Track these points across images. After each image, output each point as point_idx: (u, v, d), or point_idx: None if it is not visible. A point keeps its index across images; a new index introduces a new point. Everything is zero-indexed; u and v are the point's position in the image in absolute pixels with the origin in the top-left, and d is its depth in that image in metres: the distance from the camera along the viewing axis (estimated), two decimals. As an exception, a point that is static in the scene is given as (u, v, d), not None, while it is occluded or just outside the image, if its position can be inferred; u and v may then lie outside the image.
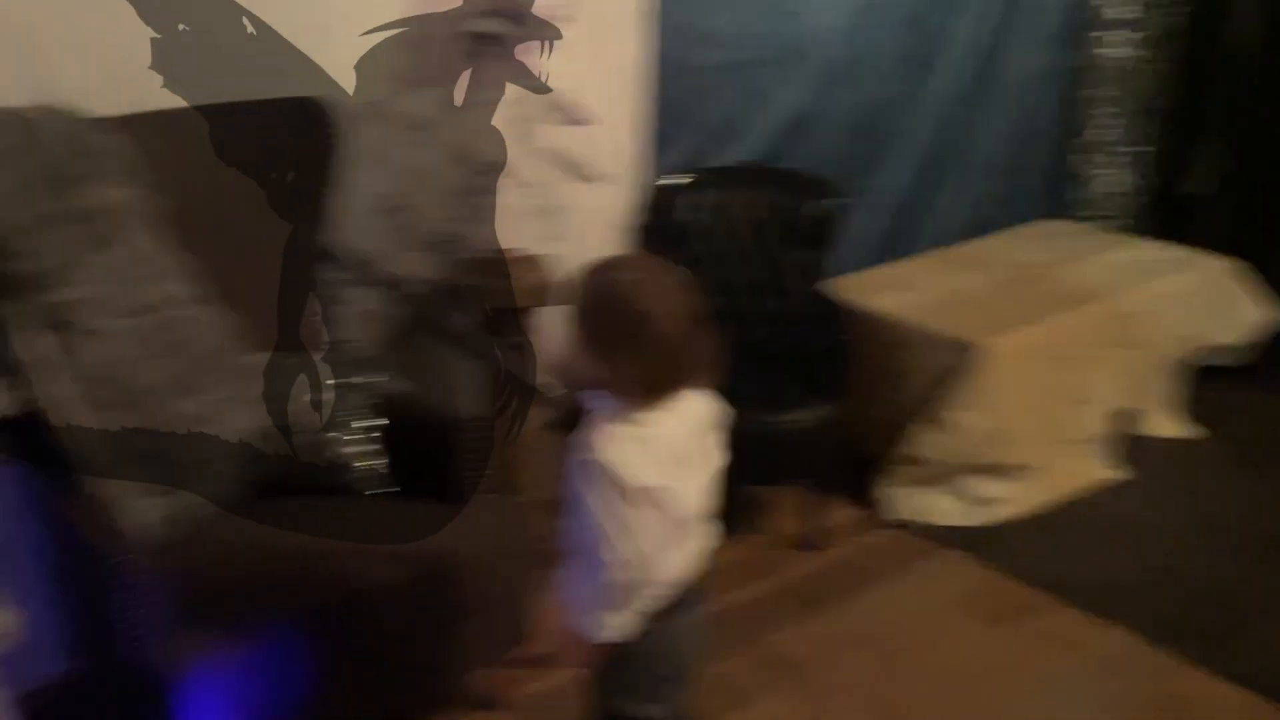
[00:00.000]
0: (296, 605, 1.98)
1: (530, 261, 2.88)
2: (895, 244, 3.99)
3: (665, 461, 1.62)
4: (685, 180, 3.28)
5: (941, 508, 3.16)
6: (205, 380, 2.13)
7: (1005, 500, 3.19)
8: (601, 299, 1.61)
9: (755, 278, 3.25)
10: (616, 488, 1.57)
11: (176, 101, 2.33)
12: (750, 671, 2.53)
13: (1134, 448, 3.51)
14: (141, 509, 2.03)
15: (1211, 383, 3.85)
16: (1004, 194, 4.29)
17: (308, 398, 2.34)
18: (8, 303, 1.95)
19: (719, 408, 1.76)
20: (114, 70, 2.31)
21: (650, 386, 1.60)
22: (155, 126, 2.25)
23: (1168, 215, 4.64)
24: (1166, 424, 3.66)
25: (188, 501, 2.14)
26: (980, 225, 4.23)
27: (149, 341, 2.07)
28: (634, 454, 1.59)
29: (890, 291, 3.47)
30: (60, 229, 2.00)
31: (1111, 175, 4.56)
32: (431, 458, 2.34)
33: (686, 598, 1.74)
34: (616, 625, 1.67)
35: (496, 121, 2.95)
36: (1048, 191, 4.48)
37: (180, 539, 2.12)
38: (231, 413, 2.19)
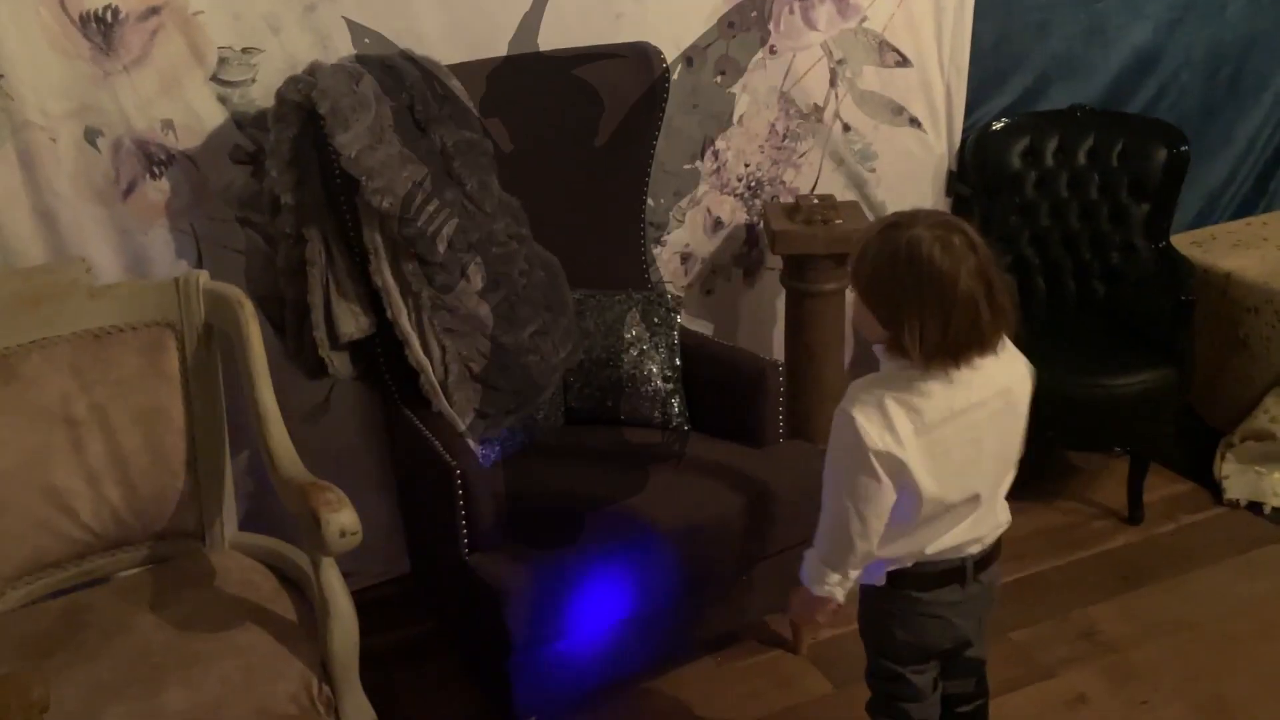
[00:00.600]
0: (608, 533, 2.08)
1: (844, 207, 2.83)
2: (1255, 197, 3.61)
3: (933, 435, 1.56)
4: (1012, 124, 3.10)
5: (1289, 490, 2.86)
6: (525, 312, 2.26)
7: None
8: (885, 257, 1.53)
9: (1096, 230, 3.03)
10: (856, 446, 1.55)
11: (510, 50, 2.48)
12: (1059, 644, 2.42)
13: None
14: (470, 429, 2.19)
15: None
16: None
17: (626, 335, 2.43)
18: (372, 233, 2.14)
19: (1027, 378, 1.65)
20: (459, 19, 2.48)
21: (935, 352, 1.52)
22: (491, 73, 2.39)
23: None
24: None
25: (510, 425, 2.29)
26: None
27: (480, 275, 2.22)
28: (891, 418, 1.55)
29: (1244, 249, 3.14)
30: (418, 166, 2.17)
31: None
32: (734, 400, 2.38)
33: (952, 574, 1.67)
34: (833, 583, 1.65)
35: (815, 64, 2.93)
36: None
37: (503, 458, 2.29)
38: (548, 345, 2.31)
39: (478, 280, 2.24)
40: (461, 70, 2.35)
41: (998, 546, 1.71)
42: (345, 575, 1.84)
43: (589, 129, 2.53)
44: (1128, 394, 2.67)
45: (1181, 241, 3.19)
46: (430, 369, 2.19)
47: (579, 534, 2.07)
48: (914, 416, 1.55)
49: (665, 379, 2.43)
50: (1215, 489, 2.92)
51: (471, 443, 2.18)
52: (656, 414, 2.44)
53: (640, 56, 2.51)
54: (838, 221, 2.76)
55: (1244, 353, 2.95)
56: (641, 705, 2.30)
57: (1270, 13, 3.38)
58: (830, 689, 2.34)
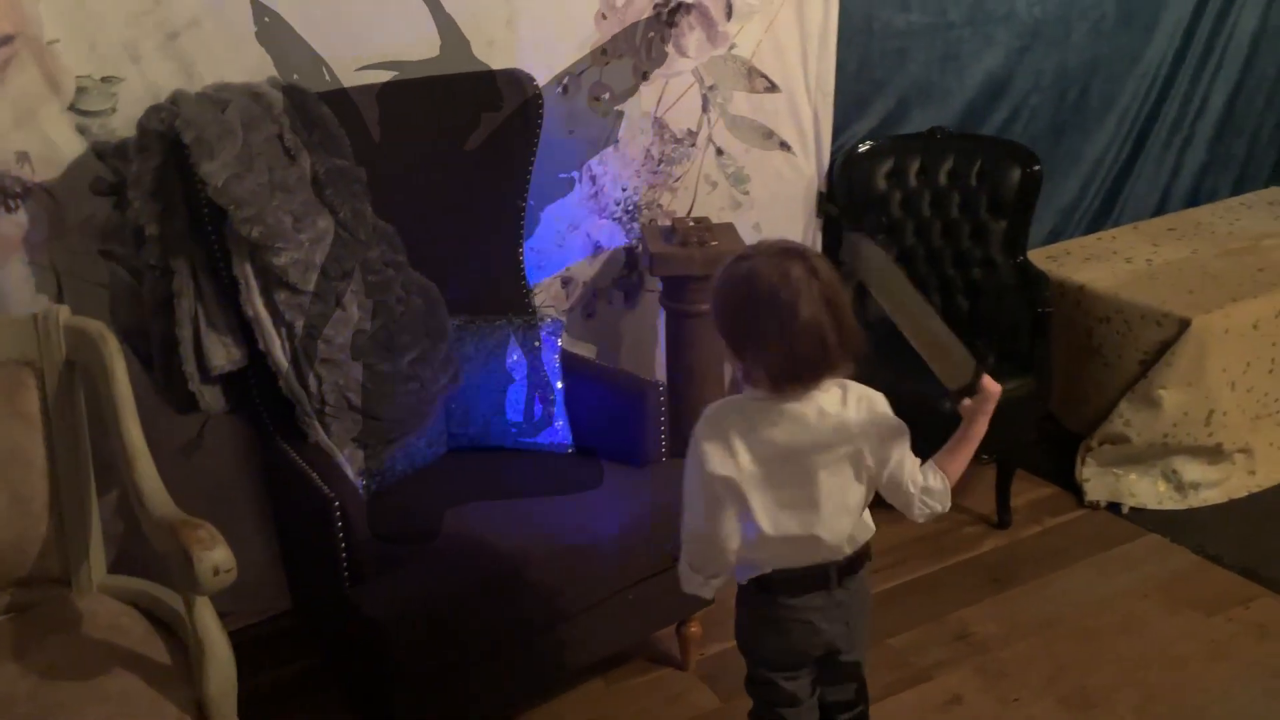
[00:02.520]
0: (491, 559, 2.08)
1: (719, 229, 2.89)
2: (1104, 213, 3.81)
3: (770, 468, 1.59)
4: (877, 146, 3.21)
5: (1146, 490, 3.02)
6: (404, 340, 2.25)
7: (1214, 484, 3.02)
8: (727, 290, 1.57)
9: (958, 247, 3.16)
10: (699, 468, 1.61)
11: (380, 76, 2.47)
12: (934, 647, 2.50)
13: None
14: (348, 460, 2.17)
15: None
16: (1231, 160, 4.03)
17: (507, 360, 2.43)
18: (242, 263, 2.11)
19: (874, 406, 1.63)
20: (330, 46, 2.46)
21: (782, 378, 1.55)
22: (361, 100, 2.37)
23: None
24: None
25: (390, 455, 2.27)
26: (1202, 193, 3.99)
27: (356, 303, 2.20)
28: (733, 445, 1.59)
29: (1095, 263, 3.32)
30: (290, 195, 2.15)
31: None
32: (616, 421, 2.40)
33: (815, 580, 1.69)
34: (696, 585, 1.71)
35: (688, 90, 2.99)
36: (1278, 158, 4.17)
37: (383, 489, 2.27)
38: (428, 372, 2.30)
39: (353, 308, 2.22)
40: (332, 97, 2.34)
41: (864, 554, 1.73)
42: (223, 615, 1.80)
43: (463, 155, 2.53)
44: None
45: (1038, 256, 3.35)
46: (306, 400, 2.16)
47: (462, 562, 2.06)
48: (756, 447, 1.59)
49: (547, 402, 2.44)
50: (1077, 491, 3.06)
51: (350, 473, 2.15)
52: (540, 436, 2.44)
53: (513, 82, 2.53)
54: (714, 243, 2.81)
55: (1098, 360, 3.10)
56: (531, 730, 2.30)
57: (1110, 39, 3.59)
58: (718, 703, 2.37)
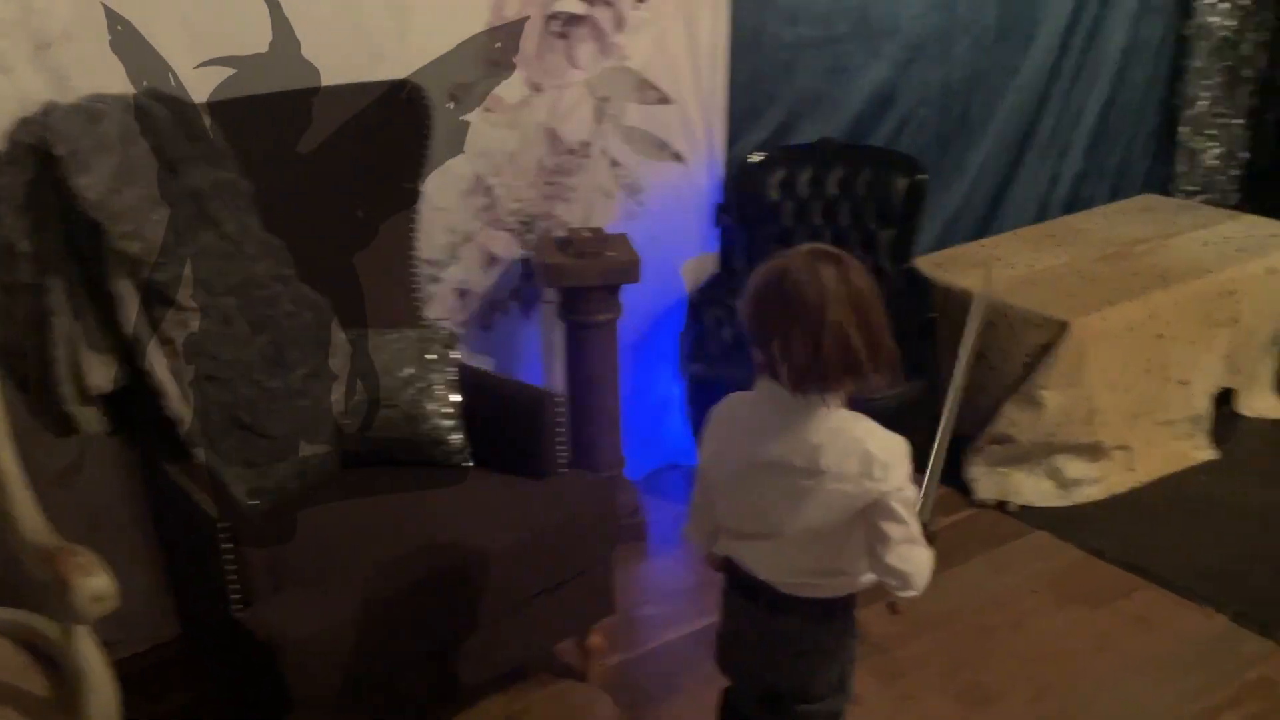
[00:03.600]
0: (388, 576, 2.04)
1: (614, 240, 2.90)
2: (988, 220, 3.93)
3: (751, 469, 1.61)
4: (769, 157, 3.27)
5: (1031, 488, 3.12)
6: (293, 355, 2.20)
7: (1097, 480, 3.13)
8: (759, 285, 1.58)
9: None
10: (700, 445, 1.74)
11: (269, 86, 2.42)
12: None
13: (1228, 428, 3.42)
14: (236, 479, 2.11)
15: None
16: (1105, 168, 4.19)
17: (402, 373, 2.40)
18: (120, 279, 2.04)
19: (875, 468, 1.56)
20: (210, 57, 2.40)
21: (805, 374, 1.53)
22: (246, 111, 2.32)
23: (1274, 189, 4.49)
24: (1260, 403, 3.55)
25: (282, 473, 2.22)
26: (1079, 201, 4.15)
27: (243, 319, 2.15)
28: (718, 434, 1.69)
29: (978, 269, 3.41)
30: (172, 209, 2.08)
31: (1215, 148, 4.42)
32: (514, 433, 2.39)
33: (749, 585, 1.69)
34: (691, 535, 1.85)
35: (580, 101, 3.00)
36: (1150, 166, 4.37)
37: (274, 508, 2.21)
38: (320, 388, 2.26)
39: (240, 324, 2.16)
40: (218, 109, 2.28)
41: (816, 606, 1.67)
42: (108, 644, 1.74)
43: (354, 168, 2.49)
44: (885, 407, 2.81)
45: (925, 263, 3.44)
46: (191, 419, 2.09)
47: (358, 581, 2.02)
48: (732, 441, 1.65)
49: (444, 416, 2.41)
50: (967, 491, 3.14)
51: (239, 493, 2.09)
52: (437, 452, 2.41)
53: (404, 94, 2.50)
54: (609, 254, 2.82)
55: (984, 363, 3.19)
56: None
57: (990, 53, 3.71)
58: (619, 714, 2.37)
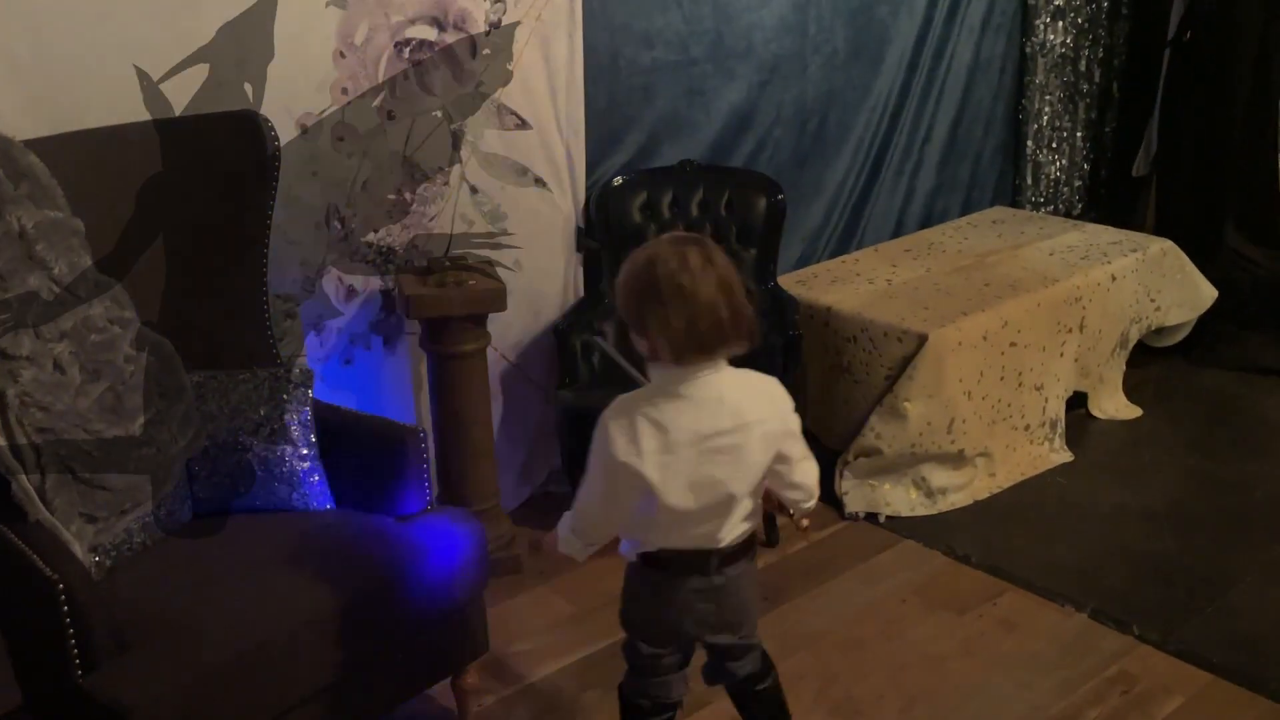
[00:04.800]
0: (243, 632, 1.95)
1: (477, 268, 2.86)
2: (847, 237, 4.00)
3: (676, 454, 1.72)
4: (630, 180, 3.27)
5: (899, 498, 3.18)
6: (134, 402, 2.10)
7: (960, 488, 3.21)
8: (630, 274, 1.72)
9: (707, 276, 3.25)
10: (603, 452, 1.74)
11: (100, 120, 2.31)
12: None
13: (1079, 430, 3.55)
14: (76, 536, 1.99)
15: (1146, 362, 3.93)
16: (957, 182, 4.32)
17: (254, 415, 2.30)
18: (-63, 331, 1.91)
19: (777, 417, 1.80)
20: (36, 92, 2.28)
21: (685, 346, 1.68)
22: (78, 147, 2.21)
23: (1114, 199, 4.72)
24: (1110, 405, 3.71)
25: (126, 526, 2.11)
26: (933, 215, 4.26)
27: (76, 365, 2.03)
28: (638, 433, 1.71)
29: (840, 285, 3.48)
30: (-6, 252, 1.97)
31: (1058, 161, 4.61)
32: (376, 472, 2.32)
33: (695, 563, 1.82)
34: (575, 548, 1.87)
35: (436, 129, 2.95)
36: (999, 179, 4.52)
37: (119, 564, 2.10)
38: (165, 434, 2.15)
39: (74, 371, 2.05)
40: (43, 145, 2.16)
41: (746, 546, 1.87)
42: None
43: (195, 202, 2.39)
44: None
45: (788, 281, 3.49)
46: (23, 474, 1.97)
47: (211, 638, 1.92)
48: (660, 435, 1.72)
49: (301, 458, 2.32)
50: (839, 505, 3.18)
51: (79, 551, 1.97)
52: (294, 496, 2.32)
53: (247, 125, 2.41)
54: (471, 282, 2.78)
55: (847, 378, 3.25)
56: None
57: (843, 72, 3.79)
58: (498, 754, 2.32)
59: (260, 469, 2.30)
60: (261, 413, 2.31)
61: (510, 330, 3.22)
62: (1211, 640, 2.54)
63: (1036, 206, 4.60)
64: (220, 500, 2.32)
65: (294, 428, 2.32)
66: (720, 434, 1.74)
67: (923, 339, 3.07)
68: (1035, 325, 3.32)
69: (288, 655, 1.98)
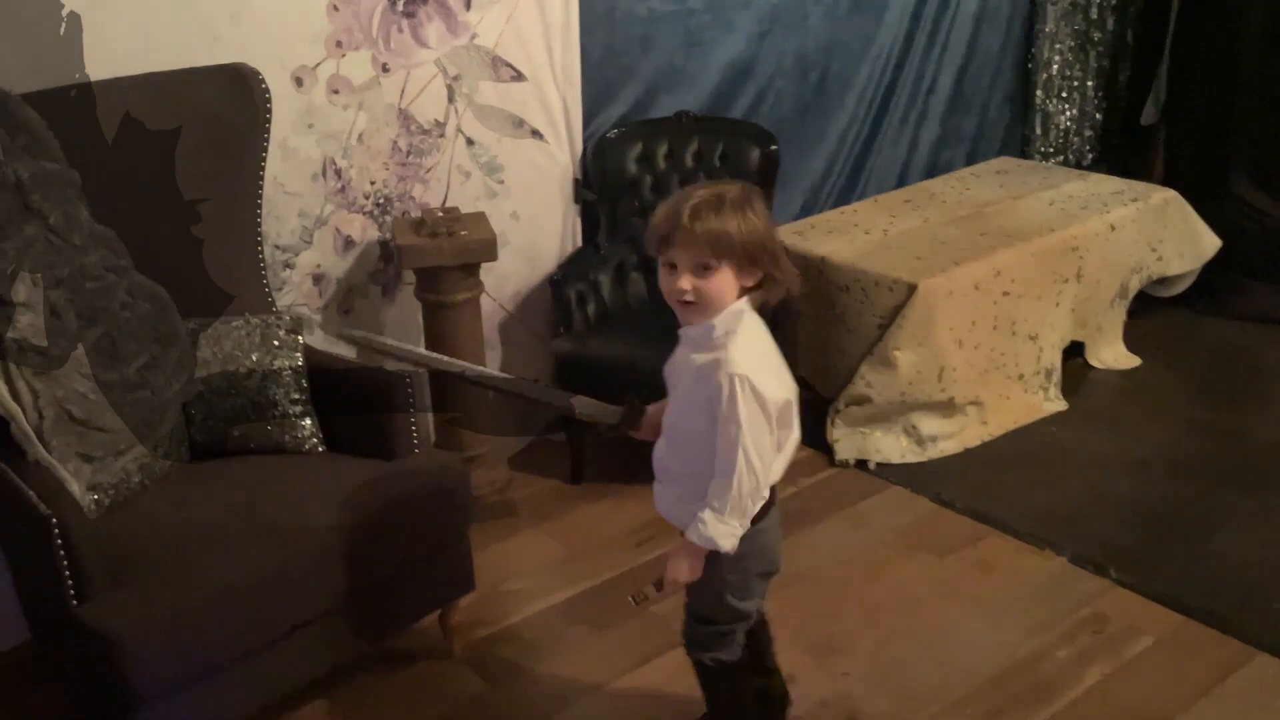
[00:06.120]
0: (236, 565, 2.04)
1: (470, 218, 2.91)
2: (849, 188, 4.01)
3: (782, 371, 1.81)
4: (625, 132, 3.30)
5: (890, 445, 3.22)
6: (129, 347, 2.18)
7: (950, 436, 3.24)
8: (751, 215, 1.73)
9: (702, 227, 3.29)
10: (758, 402, 1.71)
11: (96, 75, 2.37)
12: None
13: (1076, 379, 3.57)
14: (74, 475, 2.08)
15: (1149, 313, 3.91)
16: (962, 133, 4.31)
17: (247, 361, 2.38)
18: (-62, 277, 1.99)
19: None
20: (31, 45, 2.34)
21: (794, 281, 1.78)
22: (72, 100, 2.28)
23: (1123, 148, 4.68)
24: (1109, 355, 3.71)
25: (122, 467, 2.20)
26: (938, 166, 4.26)
27: (72, 312, 2.11)
28: (767, 371, 1.75)
29: (837, 235, 3.50)
30: (-9, 202, 2.04)
31: (1068, 110, 4.57)
32: (366, 416, 2.39)
33: (772, 496, 1.87)
34: (738, 535, 1.79)
35: (431, 81, 2.99)
36: (1007, 129, 4.50)
37: (117, 502, 2.19)
38: (159, 379, 2.24)
39: (69, 317, 2.13)
40: (39, 99, 2.23)
41: None
42: None
43: (188, 154, 2.46)
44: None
45: (786, 232, 3.51)
46: (21, 416, 2.06)
47: (200, 571, 2.01)
48: (774, 359, 1.79)
49: (293, 402, 2.40)
50: (829, 452, 3.23)
51: (76, 490, 2.07)
52: (287, 439, 2.41)
53: (236, 78, 2.47)
54: (463, 233, 2.83)
55: (841, 327, 3.29)
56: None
57: (845, 23, 3.78)
58: (484, 686, 2.40)
59: (254, 413, 2.39)
60: (254, 358, 2.39)
61: (508, 281, 3.28)
62: (1188, 584, 2.58)
63: (1046, 157, 4.57)
64: (217, 443, 2.41)
65: (286, 373, 2.40)
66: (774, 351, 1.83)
67: (912, 288, 3.09)
68: (1029, 275, 3.33)
69: (276, 589, 2.06)
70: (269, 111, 2.52)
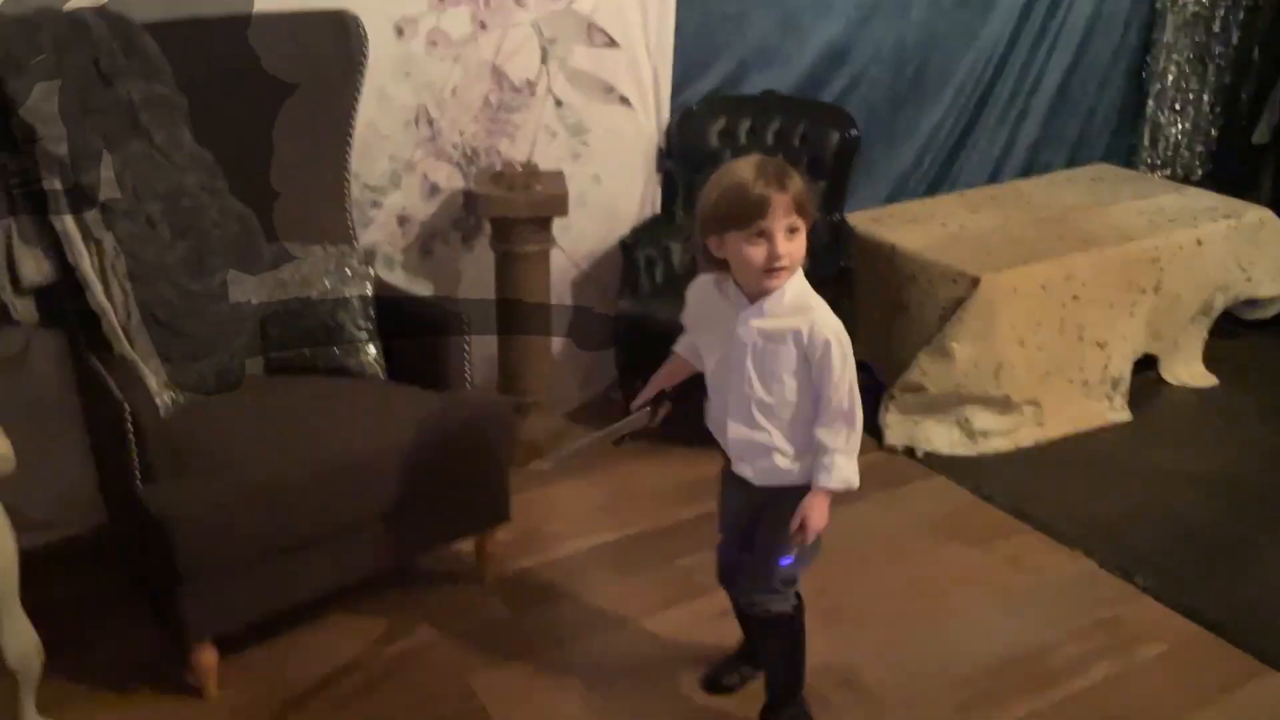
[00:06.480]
0: (286, 465, 2.22)
1: (547, 175, 3.04)
2: (938, 181, 4.02)
3: None
4: (711, 106, 3.38)
5: (941, 436, 3.24)
6: (214, 262, 2.37)
7: (1005, 433, 3.25)
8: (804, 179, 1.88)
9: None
10: (850, 350, 1.87)
11: (208, 10, 2.57)
12: (711, 568, 2.69)
13: (1147, 393, 3.52)
14: (153, 372, 2.29)
15: (1236, 334, 3.83)
16: (1064, 137, 4.26)
17: (319, 286, 2.56)
18: (51, 179, 2.20)
19: None
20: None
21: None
22: (187, 32, 2.47)
23: (1231, 166, 4.55)
24: (1184, 371, 3.65)
25: (199, 370, 2.40)
26: (1035, 167, 4.22)
27: (166, 224, 2.31)
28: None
29: (913, 225, 3.52)
30: (103, 117, 2.25)
31: (1179, 123, 4.48)
32: (424, 349, 2.55)
33: None
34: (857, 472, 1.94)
35: (526, 41, 3.12)
36: (1114, 137, 4.43)
37: (193, 404, 2.39)
38: (241, 293, 2.43)
39: (163, 229, 2.33)
40: (157, 28, 2.43)
41: None
42: (43, 526, 1.88)
43: (288, 92, 2.63)
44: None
45: (863, 218, 3.56)
46: (112, 313, 2.27)
47: (254, 468, 2.19)
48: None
49: (359, 328, 2.57)
50: (879, 435, 3.27)
51: (153, 384, 2.27)
52: (352, 363, 2.58)
53: (337, 23, 2.64)
54: (538, 188, 2.96)
55: (905, 316, 3.32)
56: (322, 632, 2.44)
57: (949, 17, 3.79)
58: (509, 615, 2.54)
59: (323, 335, 2.56)
60: (327, 284, 2.56)
61: (585, 240, 3.40)
62: (1213, 599, 2.56)
63: (1153, 168, 4.48)
64: (290, 360, 2.59)
65: (355, 301, 2.57)
66: None
67: (975, 282, 3.11)
68: (1103, 281, 3.31)
69: (321, 492, 2.24)
70: (365, 57, 2.69)
